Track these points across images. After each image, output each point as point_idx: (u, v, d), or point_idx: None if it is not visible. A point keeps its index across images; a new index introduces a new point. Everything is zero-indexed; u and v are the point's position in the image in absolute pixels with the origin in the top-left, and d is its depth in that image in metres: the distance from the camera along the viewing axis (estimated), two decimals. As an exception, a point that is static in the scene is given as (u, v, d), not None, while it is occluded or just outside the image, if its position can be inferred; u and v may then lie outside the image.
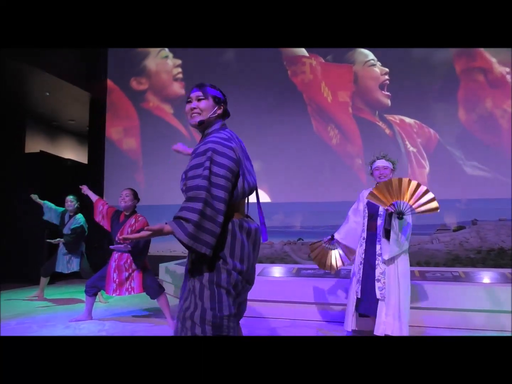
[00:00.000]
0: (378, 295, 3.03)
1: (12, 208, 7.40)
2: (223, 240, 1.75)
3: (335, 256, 3.44)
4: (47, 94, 8.02)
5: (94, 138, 8.62)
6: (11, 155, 7.93)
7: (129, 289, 3.96)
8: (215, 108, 1.92)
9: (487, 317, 3.72)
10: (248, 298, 4.49)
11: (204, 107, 1.90)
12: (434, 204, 2.79)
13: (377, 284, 3.06)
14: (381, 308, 3.01)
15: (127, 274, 3.97)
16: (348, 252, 3.41)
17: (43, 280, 5.44)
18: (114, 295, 3.99)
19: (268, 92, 7.25)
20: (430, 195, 2.80)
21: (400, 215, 2.88)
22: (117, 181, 8.00)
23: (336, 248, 3.44)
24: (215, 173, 1.70)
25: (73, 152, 10.46)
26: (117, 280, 3.97)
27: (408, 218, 3.03)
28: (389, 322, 2.97)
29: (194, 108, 1.90)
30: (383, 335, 2.97)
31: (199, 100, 1.91)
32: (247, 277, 1.86)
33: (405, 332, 2.98)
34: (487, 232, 5.67)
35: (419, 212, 2.84)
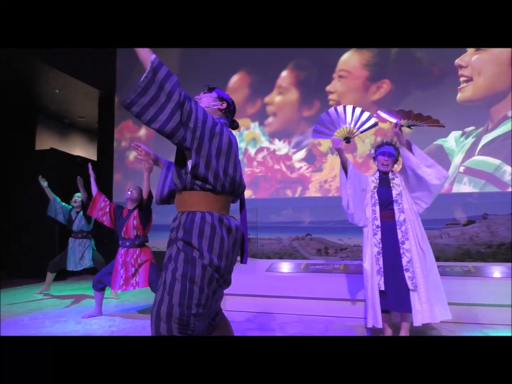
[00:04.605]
0: (410, 286, 2.94)
1: (23, 204, 7.46)
2: (201, 231, 1.70)
3: None
4: (57, 91, 8.07)
5: (103, 134, 8.67)
6: (22, 152, 8.02)
7: (134, 284, 4.02)
8: (217, 102, 2.00)
9: (498, 311, 3.67)
10: (256, 293, 4.51)
11: (205, 98, 2.01)
12: (438, 122, 3.00)
13: (407, 274, 2.96)
14: (413, 298, 2.95)
15: (133, 270, 4.04)
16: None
17: (49, 276, 5.48)
18: (120, 290, 4.04)
19: (272, 77, 7.23)
20: (433, 119, 2.99)
21: (410, 126, 3.06)
22: (126, 178, 8.04)
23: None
24: (199, 105, 1.76)
25: (83, 149, 10.53)
26: (123, 275, 4.02)
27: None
28: (426, 310, 2.92)
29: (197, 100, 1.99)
30: (421, 325, 2.92)
31: (204, 94, 2.04)
32: (224, 276, 1.78)
33: (449, 314, 2.98)
34: (498, 226, 5.60)
35: (428, 125, 3.05)
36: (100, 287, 4.14)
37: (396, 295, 3.00)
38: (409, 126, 3.06)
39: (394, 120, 3.10)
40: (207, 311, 1.72)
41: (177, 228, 1.74)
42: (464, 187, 5.96)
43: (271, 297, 4.33)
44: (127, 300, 5.10)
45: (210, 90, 2.04)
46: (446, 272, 4.17)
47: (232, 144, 1.85)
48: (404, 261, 2.99)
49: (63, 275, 7.02)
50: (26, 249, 7.28)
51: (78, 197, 5.39)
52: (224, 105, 2.02)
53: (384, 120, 3.21)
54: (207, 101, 1.99)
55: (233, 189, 1.86)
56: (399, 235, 3.04)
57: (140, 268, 4.04)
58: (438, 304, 2.97)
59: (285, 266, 4.90)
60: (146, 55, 1.70)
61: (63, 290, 5.89)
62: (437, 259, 5.69)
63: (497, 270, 4.14)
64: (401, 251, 3.01)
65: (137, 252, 4.08)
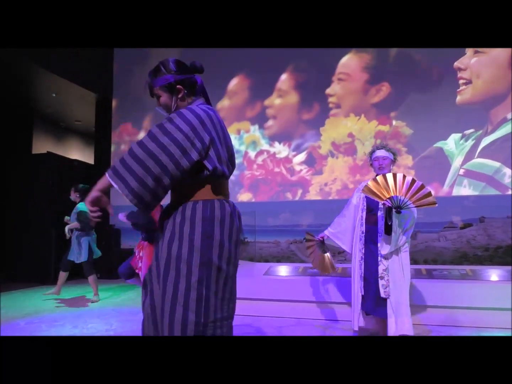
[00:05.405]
0: (382, 294, 3.02)
1: (20, 209, 7.57)
2: (223, 221, 1.61)
3: (330, 257, 3.59)
4: (54, 95, 8.18)
5: (100, 138, 8.78)
6: (19, 156, 8.13)
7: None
8: (174, 95, 1.74)
9: (494, 315, 3.75)
10: (254, 297, 4.56)
11: (163, 103, 1.76)
12: (431, 199, 2.82)
13: (381, 282, 3.04)
14: (389, 307, 3.00)
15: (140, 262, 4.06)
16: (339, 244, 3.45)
17: (62, 276, 5.53)
18: (138, 272, 4.06)
19: (271, 80, 7.39)
20: (426, 190, 2.83)
21: (398, 209, 2.87)
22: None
23: (328, 251, 3.58)
24: (176, 124, 1.54)
25: (80, 153, 10.64)
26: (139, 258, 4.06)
27: (414, 211, 3.03)
28: (392, 321, 2.98)
29: (161, 106, 1.79)
30: (398, 335, 2.93)
31: (157, 98, 1.78)
32: (235, 270, 1.72)
33: (411, 330, 2.97)
34: (495, 230, 5.70)
35: (417, 206, 2.87)
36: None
37: (373, 300, 3.09)
38: (397, 209, 2.88)
39: (381, 200, 2.96)
40: (228, 314, 1.66)
41: (192, 218, 1.59)
42: (464, 189, 6.07)
43: (269, 301, 4.41)
44: (124, 304, 5.18)
45: (156, 93, 1.76)
46: (443, 276, 4.26)
47: (222, 127, 1.72)
48: (380, 268, 3.07)
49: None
50: (28, 251, 7.39)
51: (74, 192, 5.46)
52: (181, 90, 1.74)
53: (371, 193, 2.99)
54: (168, 105, 1.76)
55: (232, 171, 1.81)
56: (379, 242, 3.12)
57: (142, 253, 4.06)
58: (406, 316, 2.98)
59: (283, 270, 4.98)
60: (104, 182, 1.54)
61: (60, 294, 5.95)
62: (435, 262, 5.87)
63: (494, 273, 4.23)
64: (379, 258, 3.10)
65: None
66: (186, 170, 1.54)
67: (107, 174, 1.52)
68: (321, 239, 3.54)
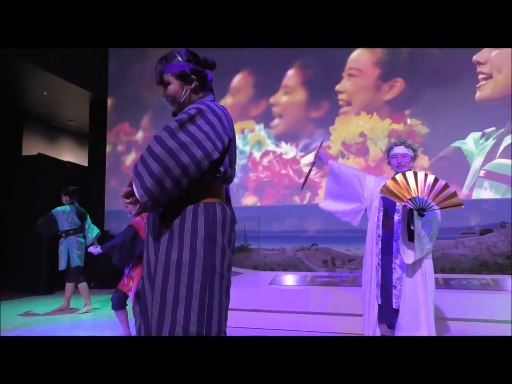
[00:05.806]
0: (393, 304, 2.96)
1: (11, 213, 7.64)
2: (224, 225, 1.61)
3: None
4: (45, 93, 8.24)
5: (94, 139, 8.82)
6: (8, 158, 8.18)
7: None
8: (185, 86, 1.73)
9: (518, 328, 3.72)
10: (258, 308, 4.56)
11: (172, 92, 1.74)
12: (457, 199, 2.69)
13: (394, 292, 2.98)
14: (402, 317, 2.93)
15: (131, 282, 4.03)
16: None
17: (67, 287, 5.67)
18: (128, 293, 3.99)
19: (277, 76, 7.40)
20: (450, 190, 2.68)
21: (421, 211, 2.70)
22: (119, 184, 8.16)
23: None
24: (196, 122, 1.55)
25: (73, 154, 10.71)
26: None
27: (438, 214, 2.92)
28: (403, 334, 2.91)
29: (166, 97, 1.77)
30: None
31: (165, 86, 1.75)
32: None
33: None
34: (517, 236, 5.67)
35: (442, 208, 2.72)
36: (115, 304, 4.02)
37: (388, 309, 3.03)
38: (419, 211, 2.71)
39: (402, 202, 2.80)
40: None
41: (193, 222, 1.56)
42: (485, 192, 6.02)
43: (274, 312, 4.40)
44: (120, 316, 5.19)
45: (167, 80, 1.73)
46: (462, 285, 4.23)
47: (233, 127, 1.74)
48: (394, 277, 3.00)
49: (51, 289, 7.19)
50: (28, 251, 7.45)
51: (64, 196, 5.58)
52: (194, 80, 1.75)
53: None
54: (178, 96, 1.74)
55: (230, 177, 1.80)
56: (394, 248, 3.05)
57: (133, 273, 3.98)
58: (428, 331, 2.88)
59: (290, 279, 4.98)
60: (131, 178, 1.63)
61: (50, 305, 5.97)
62: (452, 270, 5.84)
63: (517, 283, 4.21)
64: (393, 265, 3.03)
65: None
66: (206, 171, 1.55)
67: (132, 170, 1.58)
68: (316, 159, 3.69)
